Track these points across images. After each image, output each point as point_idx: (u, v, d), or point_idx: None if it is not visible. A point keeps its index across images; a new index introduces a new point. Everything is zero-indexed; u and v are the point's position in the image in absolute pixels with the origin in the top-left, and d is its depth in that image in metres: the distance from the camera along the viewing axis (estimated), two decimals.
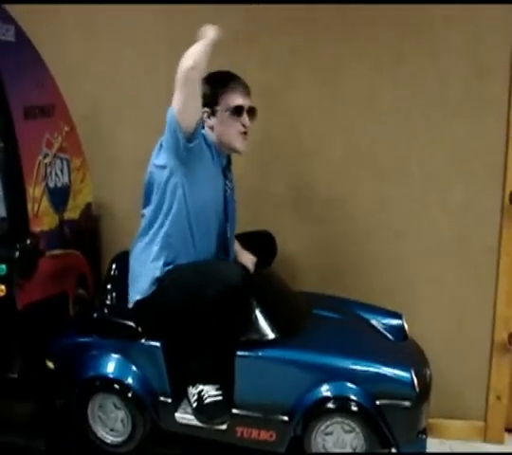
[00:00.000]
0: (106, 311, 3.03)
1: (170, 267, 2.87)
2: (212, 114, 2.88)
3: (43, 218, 3.12)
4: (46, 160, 3.17)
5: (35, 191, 3.05)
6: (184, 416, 2.85)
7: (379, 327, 3.09)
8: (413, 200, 3.49)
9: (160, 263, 2.87)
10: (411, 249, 3.54)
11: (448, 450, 3.47)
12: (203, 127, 2.85)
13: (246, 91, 2.90)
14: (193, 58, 2.58)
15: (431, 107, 3.39)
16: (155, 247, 2.88)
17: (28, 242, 2.98)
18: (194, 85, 2.63)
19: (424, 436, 2.76)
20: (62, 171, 3.32)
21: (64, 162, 3.35)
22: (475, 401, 3.62)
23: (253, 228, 3.30)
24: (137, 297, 2.91)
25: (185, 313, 2.74)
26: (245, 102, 2.88)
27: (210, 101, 2.85)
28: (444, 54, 3.32)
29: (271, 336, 2.82)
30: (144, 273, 2.90)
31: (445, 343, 3.45)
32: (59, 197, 3.29)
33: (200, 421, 2.80)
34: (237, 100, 2.86)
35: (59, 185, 3.29)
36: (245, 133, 2.90)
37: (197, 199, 2.84)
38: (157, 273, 2.86)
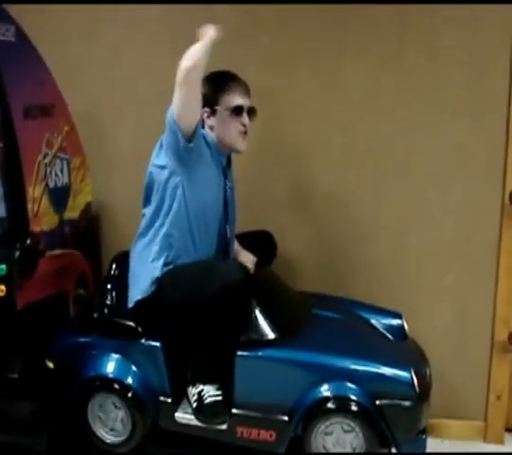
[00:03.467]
0: (106, 311, 3.03)
1: (170, 267, 2.86)
2: (212, 113, 2.88)
3: (43, 218, 3.12)
4: (46, 160, 3.16)
5: (35, 191, 3.05)
6: (184, 416, 2.85)
7: (379, 327, 3.08)
8: (413, 199, 3.49)
9: (160, 262, 2.87)
10: (411, 248, 3.53)
11: (448, 450, 3.47)
12: (203, 127, 2.86)
13: (246, 91, 2.90)
14: (193, 58, 2.58)
15: (431, 105, 3.38)
16: (155, 247, 2.88)
17: (28, 242, 2.98)
18: (194, 86, 2.63)
19: (424, 436, 2.76)
20: (62, 170, 3.32)
21: (64, 162, 3.34)
22: (475, 401, 3.62)
23: (253, 228, 3.30)
24: (138, 297, 2.91)
25: (185, 312, 2.74)
26: (244, 102, 2.88)
27: (211, 101, 2.85)
28: (443, 52, 3.31)
29: (271, 335, 2.81)
30: (144, 273, 2.91)
31: (445, 342, 3.45)
32: (59, 197, 3.28)
33: (200, 421, 2.80)
34: (237, 100, 2.86)
35: (59, 185, 3.28)
36: (245, 132, 2.90)
37: (197, 199, 2.85)
38: (157, 273, 2.86)
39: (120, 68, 3.53)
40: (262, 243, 3.21)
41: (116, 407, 2.91)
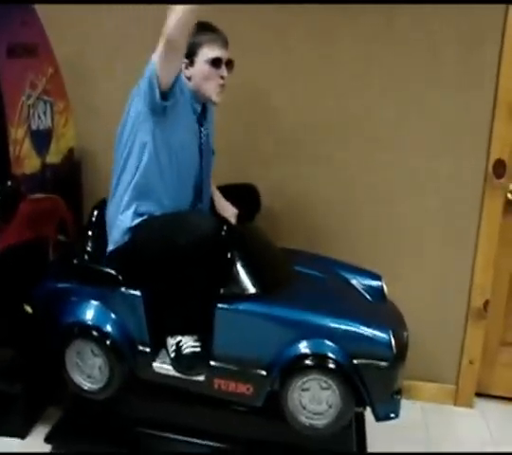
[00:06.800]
0: (87, 258, 3.00)
1: (144, 217, 2.84)
2: (191, 64, 2.84)
3: (24, 161, 3.06)
4: (30, 101, 3.10)
5: (17, 133, 2.99)
6: (162, 366, 2.85)
7: (359, 287, 3.07)
8: (399, 167, 3.47)
9: (130, 212, 2.84)
10: (396, 214, 3.53)
11: (419, 411, 3.51)
12: None
13: (225, 42, 2.86)
14: (181, 25, 2.51)
15: (422, 77, 3.35)
16: (126, 198, 2.85)
17: (9, 184, 2.94)
18: (178, 53, 2.61)
19: (398, 397, 2.77)
20: (45, 113, 3.25)
21: (48, 105, 3.28)
22: (448, 365, 3.66)
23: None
24: (110, 247, 2.90)
25: (160, 263, 2.73)
26: (223, 54, 2.84)
27: (189, 52, 2.79)
28: (436, 26, 3.27)
29: (252, 290, 2.79)
30: (115, 223, 2.88)
31: (422, 307, 3.47)
32: (41, 140, 3.22)
33: (178, 371, 2.80)
34: (216, 51, 2.82)
35: (41, 127, 3.22)
36: (222, 85, 2.87)
37: (170, 145, 2.81)
38: (127, 223, 2.84)
39: (108, 16, 3.47)
40: (245, 196, 3.18)
41: (94, 354, 2.89)
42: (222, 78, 2.85)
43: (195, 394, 2.88)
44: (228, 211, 3.01)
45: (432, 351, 3.55)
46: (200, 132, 2.94)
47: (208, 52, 2.81)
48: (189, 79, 2.86)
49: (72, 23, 3.52)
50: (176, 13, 2.48)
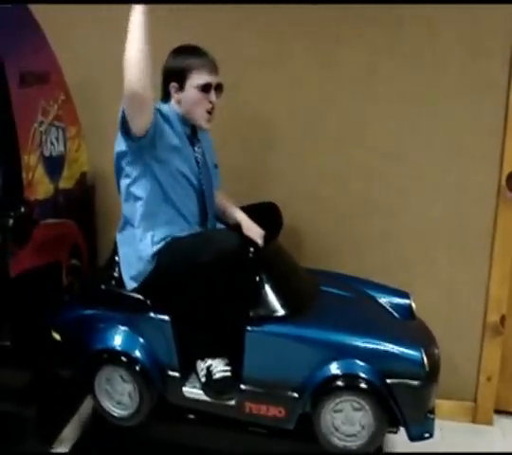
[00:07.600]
0: (114, 283, 2.98)
1: (167, 240, 2.83)
2: (180, 89, 2.86)
3: (37, 186, 3.07)
4: (42, 128, 3.11)
5: (30, 159, 2.99)
6: (192, 391, 2.82)
7: (387, 306, 3.07)
8: (408, 179, 3.46)
9: (147, 241, 2.83)
10: (405, 228, 3.52)
11: (437, 429, 3.46)
12: (169, 100, 2.90)
13: (215, 67, 2.88)
14: (137, 76, 2.54)
15: (429, 87, 3.34)
16: (140, 229, 2.86)
17: (23, 210, 2.93)
18: (146, 103, 2.61)
19: (432, 416, 2.75)
20: (57, 139, 3.26)
21: (60, 130, 3.29)
22: (466, 382, 3.64)
23: (246, 203, 3.25)
24: (140, 280, 2.88)
25: (186, 283, 2.71)
26: (212, 79, 2.86)
27: (179, 77, 2.83)
28: (443, 34, 3.27)
29: (281, 311, 2.78)
30: (137, 255, 2.87)
31: (437, 323, 3.43)
32: (54, 166, 3.23)
33: (209, 396, 2.78)
34: (205, 77, 2.84)
35: (54, 153, 3.23)
36: (211, 110, 2.89)
37: (167, 172, 2.82)
38: (149, 251, 2.83)
39: (116, 39, 3.45)
40: (267, 215, 3.16)
41: (123, 380, 2.87)
42: (211, 102, 2.87)
43: (218, 417, 2.86)
44: (255, 232, 2.99)
45: (449, 368, 3.50)
46: (194, 151, 2.95)
47: (197, 78, 2.84)
48: (178, 103, 2.89)
49: (81, 48, 3.52)
50: (130, 61, 2.57)
